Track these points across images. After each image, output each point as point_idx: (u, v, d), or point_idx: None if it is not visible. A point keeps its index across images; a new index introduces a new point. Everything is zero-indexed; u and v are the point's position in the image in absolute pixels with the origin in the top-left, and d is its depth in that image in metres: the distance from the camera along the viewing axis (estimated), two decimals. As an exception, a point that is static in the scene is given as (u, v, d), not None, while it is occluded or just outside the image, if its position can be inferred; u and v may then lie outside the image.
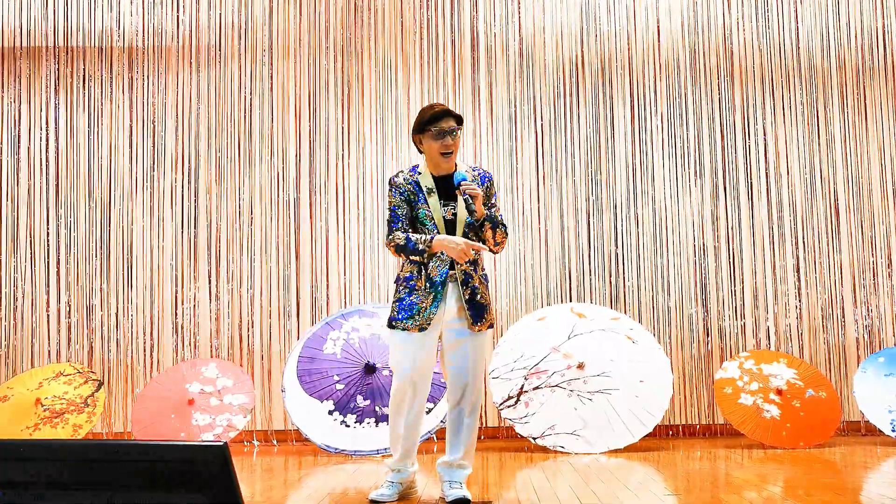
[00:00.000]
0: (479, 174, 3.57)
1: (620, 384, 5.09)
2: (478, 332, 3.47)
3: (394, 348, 3.52)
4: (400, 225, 3.47)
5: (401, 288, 3.48)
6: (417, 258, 3.41)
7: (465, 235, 3.45)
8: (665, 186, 5.92)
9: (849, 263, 5.93)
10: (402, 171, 3.57)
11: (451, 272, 3.44)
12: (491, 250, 3.54)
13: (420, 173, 3.53)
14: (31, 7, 5.89)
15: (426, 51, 5.95)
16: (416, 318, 3.41)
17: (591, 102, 5.96)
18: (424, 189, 3.48)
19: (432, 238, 3.38)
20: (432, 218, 3.45)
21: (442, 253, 3.41)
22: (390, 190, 3.53)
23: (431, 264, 3.43)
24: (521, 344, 5.24)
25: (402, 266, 3.53)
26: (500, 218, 3.52)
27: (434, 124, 3.46)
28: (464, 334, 3.46)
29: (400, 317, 3.44)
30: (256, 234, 5.80)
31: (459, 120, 3.51)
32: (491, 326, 3.55)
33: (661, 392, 5.14)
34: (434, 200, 3.47)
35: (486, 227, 3.45)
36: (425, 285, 3.43)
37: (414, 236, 3.41)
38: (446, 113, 3.47)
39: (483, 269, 3.56)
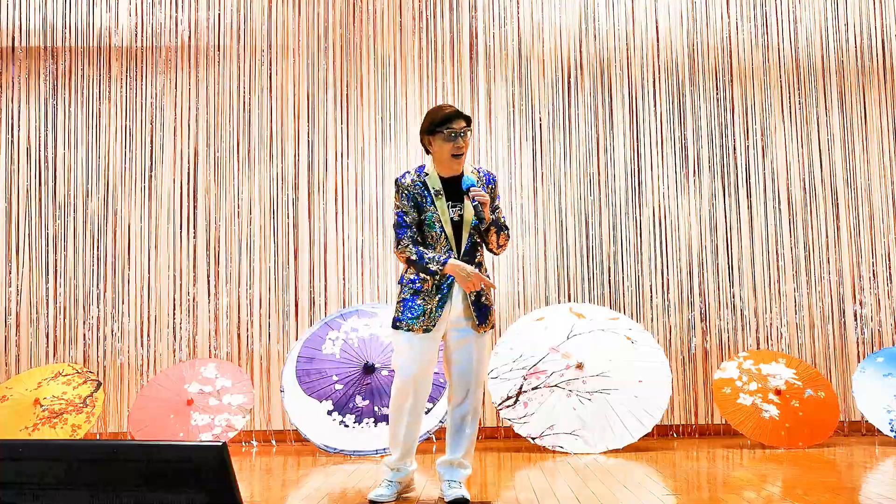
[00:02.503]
0: (485, 176, 3.58)
1: (619, 384, 5.09)
2: (482, 332, 3.50)
3: (398, 349, 3.52)
4: (407, 233, 3.45)
5: (405, 289, 3.48)
6: (426, 275, 3.44)
7: (469, 237, 3.46)
8: (664, 186, 5.92)
9: (848, 263, 5.93)
10: (408, 172, 3.55)
11: None
12: (493, 252, 3.56)
13: (427, 174, 3.50)
14: (30, 7, 5.89)
15: (425, 51, 5.95)
16: (422, 319, 3.42)
17: (590, 102, 5.96)
18: (432, 191, 3.47)
19: (445, 262, 3.38)
20: (440, 220, 3.44)
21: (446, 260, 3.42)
22: (397, 192, 3.51)
23: None
24: (520, 344, 5.24)
25: (407, 268, 3.53)
26: (503, 220, 3.55)
27: (446, 125, 3.43)
28: (469, 335, 3.48)
29: (404, 317, 3.44)
30: (255, 234, 5.80)
31: (468, 120, 3.50)
32: (493, 327, 3.60)
33: (660, 392, 5.14)
34: (442, 203, 3.45)
35: (491, 232, 3.48)
36: (431, 287, 3.44)
37: (427, 255, 3.40)
38: (457, 114, 3.45)
39: (486, 271, 3.58)
